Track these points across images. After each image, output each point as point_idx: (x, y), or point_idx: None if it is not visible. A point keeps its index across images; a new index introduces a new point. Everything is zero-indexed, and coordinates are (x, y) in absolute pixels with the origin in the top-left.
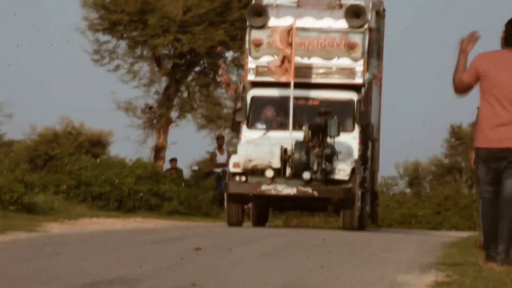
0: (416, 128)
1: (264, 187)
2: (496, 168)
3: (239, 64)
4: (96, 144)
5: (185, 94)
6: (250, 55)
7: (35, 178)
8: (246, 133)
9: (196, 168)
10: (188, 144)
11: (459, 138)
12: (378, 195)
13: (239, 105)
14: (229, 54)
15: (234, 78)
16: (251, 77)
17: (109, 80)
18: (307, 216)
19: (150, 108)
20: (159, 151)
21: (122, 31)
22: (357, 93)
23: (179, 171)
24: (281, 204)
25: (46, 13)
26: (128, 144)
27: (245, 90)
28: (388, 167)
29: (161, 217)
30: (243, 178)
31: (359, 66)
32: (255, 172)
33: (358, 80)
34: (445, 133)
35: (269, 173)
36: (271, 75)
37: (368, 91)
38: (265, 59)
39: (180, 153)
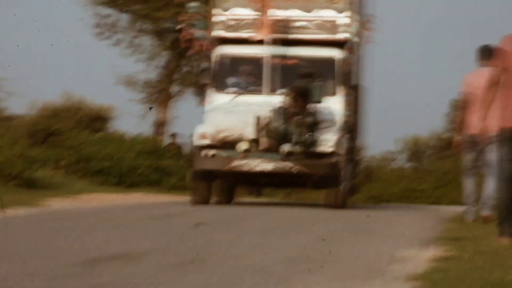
0: (416, 102)
1: (236, 163)
2: None
3: (205, 16)
4: (97, 119)
5: (186, 69)
6: (217, 6)
7: (35, 153)
8: (214, 97)
9: None
10: (189, 119)
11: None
12: (358, 165)
13: (204, 65)
14: (193, 5)
15: (199, 33)
16: (218, 31)
17: (110, 55)
18: (307, 191)
19: (151, 108)
20: (159, 126)
21: (123, 5)
22: (341, 50)
23: (179, 146)
24: (255, 180)
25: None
26: (129, 119)
27: (211, 46)
28: (387, 142)
29: (161, 192)
30: (212, 152)
31: (343, 19)
32: (226, 144)
33: (342, 35)
34: (445, 107)
35: (242, 146)
36: (255, 32)
37: (353, 47)
38: (234, 11)
39: (181, 128)
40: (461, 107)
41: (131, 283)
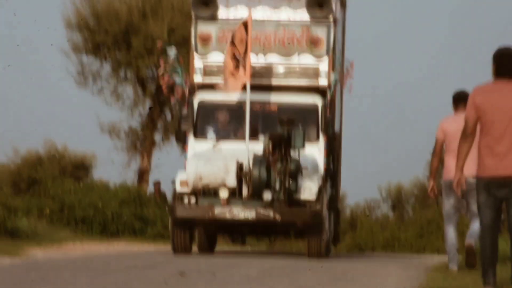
0: (399, 151)
1: (217, 211)
2: (496, 195)
3: (184, 62)
4: (80, 167)
5: (169, 117)
6: (197, 52)
7: (18, 202)
8: (194, 145)
9: None
10: (173, 167)
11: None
12: (340, 214)
13: (184, 111)
14: (172, 51)
15: (178, 79)
16: (198, 78)
17: (93, 103)
18: (291, 240)
19: (150, 108)
20: (142, 174)
21: (106, 53)
22: (322, 96)
23: (162, 195)
24: (237, 228)
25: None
26: (112, 167)
27: (191, 93)
28: (370, 189)
29: (145, 241)
30: (193, 200)
31: (323, 65)
32: (207, 192)
33: (323, 82)
34: (428, 155)
35: (224, 194)
36: (225, 89)
37: (333, 95)
38: (214, 57)
39: (164, 176)
40: (436, 152)
41: None
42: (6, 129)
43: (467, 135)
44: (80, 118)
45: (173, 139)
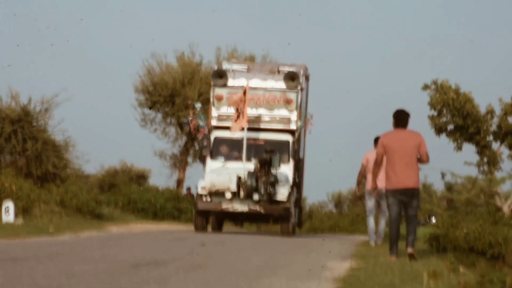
0: (340, 171)
1: (224, 205)
2: (399, 199)
3: (205, 112)
4: (141, 177)
5: (196, 147)
6: (214, 106)
7: (103, 198)
8: (210, 164)
9: None
10: (198, 177)
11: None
12: (302, 209)
13: (205, 143)
14: (198, 105)
15: (201, 123)
16: (214, 122)
17: (150, 137)
18: (272, 224)
19: (150, 108)
20: (179, 182)
21: (159, 107)
22: (292, 136)
23: (192, 195)
24: (236, 217)
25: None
26: (160, 177)
27: (209, 132)
28: (321, 195)
29: (180, 223)
30: (209, 198)
31: (293, 116)
32: (217, 193)
33: (293, 126)
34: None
35: (228, 195)
36: (231, 130)
37: (299, 134)
38: (224, 110)
39: (193, 183)
40: (360, 172)
41: (161, 279)
42: (95, 151)
43: (377, 163)
44: (142, 147)
45: (198, 160)
